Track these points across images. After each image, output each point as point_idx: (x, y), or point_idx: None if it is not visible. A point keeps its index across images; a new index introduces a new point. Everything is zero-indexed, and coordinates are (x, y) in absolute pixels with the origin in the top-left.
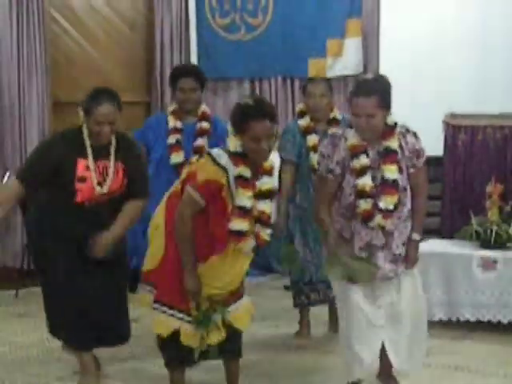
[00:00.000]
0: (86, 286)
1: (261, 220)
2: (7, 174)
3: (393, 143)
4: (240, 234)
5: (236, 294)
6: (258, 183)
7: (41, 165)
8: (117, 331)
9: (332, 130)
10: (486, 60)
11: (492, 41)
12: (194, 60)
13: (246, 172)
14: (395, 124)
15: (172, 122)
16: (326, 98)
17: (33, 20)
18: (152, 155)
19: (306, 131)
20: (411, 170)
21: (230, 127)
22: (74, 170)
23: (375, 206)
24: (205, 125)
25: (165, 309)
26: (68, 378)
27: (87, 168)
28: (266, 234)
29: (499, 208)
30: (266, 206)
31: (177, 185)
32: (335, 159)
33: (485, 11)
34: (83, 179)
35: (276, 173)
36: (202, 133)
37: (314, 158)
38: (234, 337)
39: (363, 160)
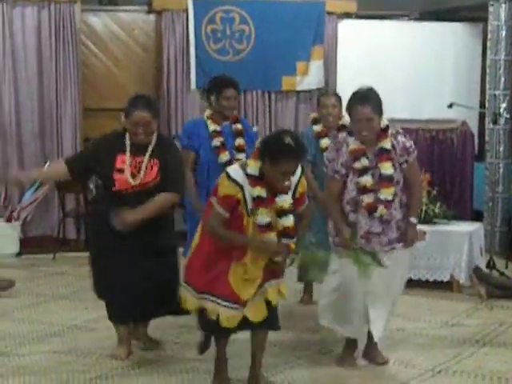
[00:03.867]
0: (128, 265)
1: (286, 234)
2: (47, 163)
3: (387, 144)
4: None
5: (274, 273)
6: (277, 200)
7: (85, 155)
8: (161, 305)
9: (342, 135)
10: (418, 77)
11: (423, 62)
12: (192, 76)
13: (263, 193)
14: (387, 126)
15: (212, 126)
16: (336, 108)
17: (68, 45)
18: (201, 157)
19: (320, 136)
20: (404, 165)
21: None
22: (114, 162)
23: (377, 198)
24: (239, 126)
25: (193, 291)
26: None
27: (124, 162)
28: (293, 244)
29: (428, 192)
30: (289, 221)
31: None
32: (339, 162)
33: (417, 36)
34: (121, 171)
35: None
36: (238, 133)
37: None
38: (272, 311)
39: (364, 161)
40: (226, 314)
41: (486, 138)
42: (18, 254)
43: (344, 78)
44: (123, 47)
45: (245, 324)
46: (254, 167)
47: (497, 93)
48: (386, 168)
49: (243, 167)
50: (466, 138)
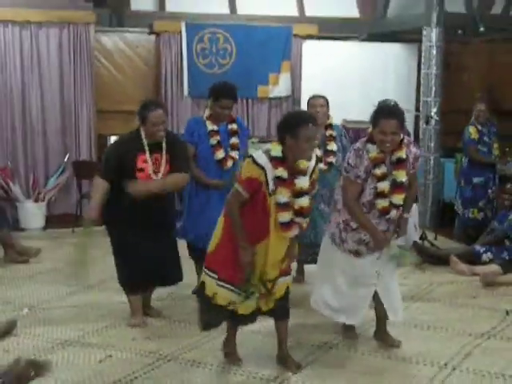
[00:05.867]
0: (143, 246)
1: (301, 213)
2: (67, 155)
3: (402, 154)
4: (286, 224)
5: (285, 271)
6: (296, 181)
7: (112, 162)
8: (170, 276)
9: (329, 132)
10: (367, 87)
11: (371, 74)
12: (185, 85)
13: (284, 173)
14: (403, 138)
15: (210, 126)
16: (324, 107)
17: (84, 59)
18: (199, 152)
19: None
20: (411, 171)
21: (276, 134)
22: (135, 163)
23: (390, 203)
24: (235, 126)
25: (226, 285)
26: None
27: (145, 161)
28: (305, 223)
29: None
30: (305, 201)
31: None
32: (362, 168)
33: (366, 54)
34: (142, 170)
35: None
36: (233, 133)
37: (316, 151)
38: (281, 302)
39: (383, 169)
40: (242, 304)
41: (420, 136)
42: (44, 228)
43: (307, 87)
44: (129, 61)
45: (257, 313)
46: (276, 150)
47: (429, 99)
48: (401, 176)
49: (267, 153)
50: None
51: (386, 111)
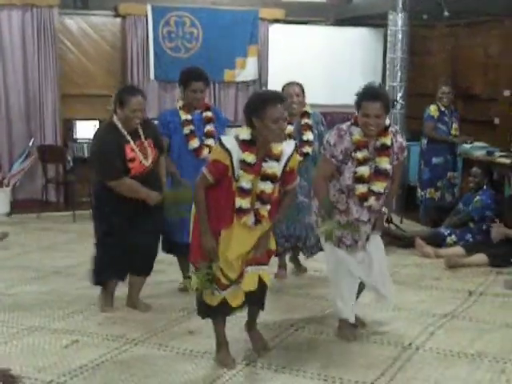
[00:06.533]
0: (130, 235)
1: (261, 198)
2: (32, 140)
3: (387, 140)
4: (242, 211)
5: (261, 260)
6: (263, 165)
7: (115, 159)
8: (140, 266)
9: (305, 121)
10: (334, 71)
11: (337, 59)
12: (151, 68)
13: (250, 157)
14: (389, 125)
15: (183, 116)
16: (299, 96)
17: (48, 42)
18: (173, 143)
19: None
20: (395, 162)
21: (243, 117)
22: (124, 154)
23: (370, 189)
24: (209, 114)
25: (193, 269)
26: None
27: (132, 150)
28: (265, 210)
29: None
30: (268, 187)
31: None
32: (339, 148)
33: (332, 39)
34: (132, 160)
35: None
36: (209, 120)
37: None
38: (260, 290)
39: (365, 153)
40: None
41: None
42: (9, 214)
43: (274, 71)
44: (94, 44)
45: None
46: (245, 133)
47: (395, 84)
48: (384, 162)
49: (236, 136)
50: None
51: (370, 93)
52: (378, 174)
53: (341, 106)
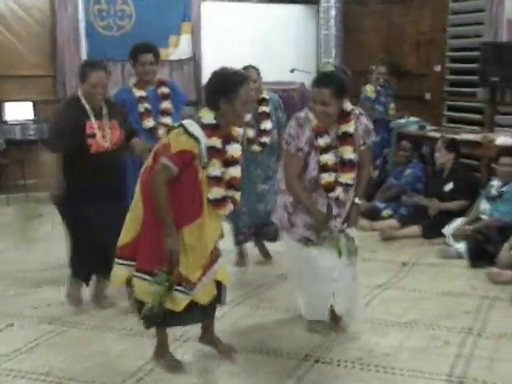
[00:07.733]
0: (98, 224)
1: (232, 185)
2: None
3: (350, 127)
4: (220, 201)
5: (215, 254)
6: (228, 148)
7: (64, 133)
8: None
9: (262, 109)
10: (267, 48)
11: (271, 36)
12: (83, 48)
13: (218, 143)
14: (352, 110)
15: (137, 93)
16: (256, 83)
17: None
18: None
19: None
20: (362, 148)
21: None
22: (84, 128)
23: (337, 180)
24: (165, 90)
25: (146, 276)
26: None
27: (93, 127)
28: (238, 197)
29: None
30: (236, 171)
31: (148, 161)
32: (303, 139)
33: (266, 16)
34: (93, 135)
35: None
36: (164, 97)
37: (248, 132)
38: (220, 289)
39: (327, 139)
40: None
41: None
42: None
43: (207, 49)
44: (23, 24)
45: (192, 307)
46: (208, 116)
47: (329, 60)
48: (347, 152)
49: (197, 120)
50: (304, 96)
51: (318, 78)
52: (343, 164)
53: (274, 83)
